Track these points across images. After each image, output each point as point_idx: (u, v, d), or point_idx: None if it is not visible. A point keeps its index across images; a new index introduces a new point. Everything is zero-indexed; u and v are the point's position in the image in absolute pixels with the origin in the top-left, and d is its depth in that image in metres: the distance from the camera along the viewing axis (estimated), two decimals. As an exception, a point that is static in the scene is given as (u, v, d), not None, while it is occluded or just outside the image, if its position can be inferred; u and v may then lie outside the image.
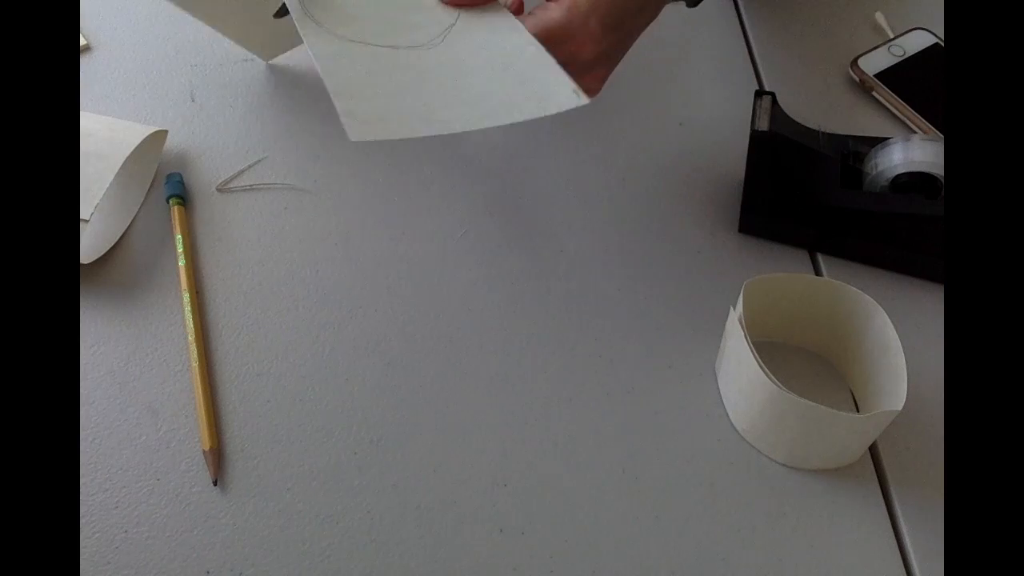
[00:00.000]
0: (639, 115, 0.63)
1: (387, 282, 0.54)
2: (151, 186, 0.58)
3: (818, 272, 0.55)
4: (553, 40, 0.45)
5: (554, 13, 0.46)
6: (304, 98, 0.63)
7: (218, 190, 0.57)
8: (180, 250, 0.54)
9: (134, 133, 0.56)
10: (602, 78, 0.49)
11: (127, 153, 0.55)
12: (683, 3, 0.58)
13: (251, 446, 0.48)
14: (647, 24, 0.51)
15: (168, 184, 0.57)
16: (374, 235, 0.56)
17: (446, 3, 0.47)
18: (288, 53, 0.65)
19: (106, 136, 0.56)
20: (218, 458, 0.47)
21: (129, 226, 0.56)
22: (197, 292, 0.53)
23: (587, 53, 0.47)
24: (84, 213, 0.53)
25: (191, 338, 0.51)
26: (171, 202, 0.57)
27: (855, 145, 0.54)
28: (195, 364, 0.50)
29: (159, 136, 0.58)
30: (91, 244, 0.54)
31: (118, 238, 0.55)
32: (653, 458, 0.48)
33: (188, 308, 0.52)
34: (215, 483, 0.46)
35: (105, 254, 0.54)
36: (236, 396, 0.49)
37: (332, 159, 0.59)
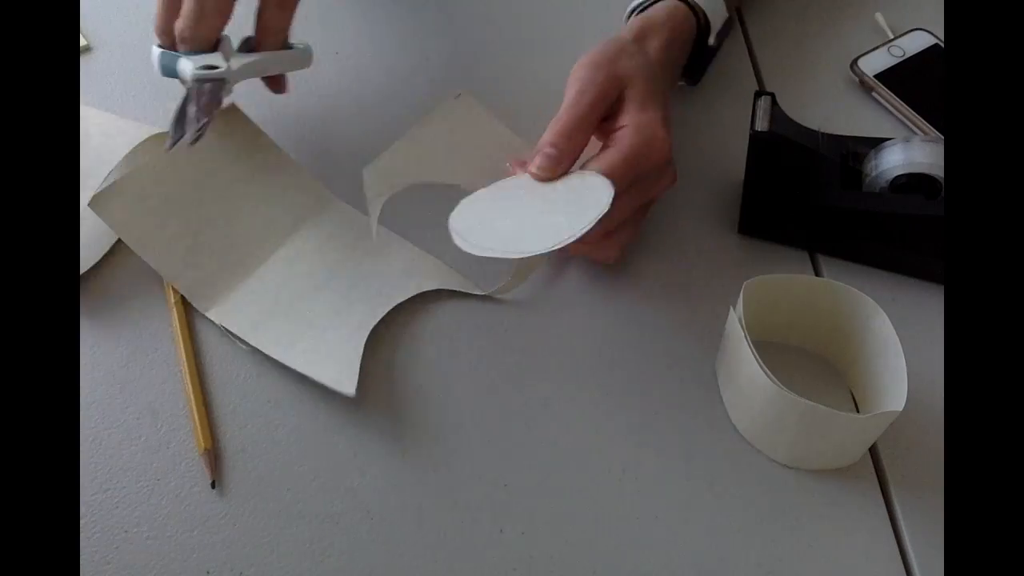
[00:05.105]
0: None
1: (387, 282, 0.54)
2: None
3: (818, 272, 0.55)
4: (637, 160, 0.49)
5: (628, 139, 0.49)
6: (304, 97, 0.63)
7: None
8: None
9: (128, 137, 0.55)
10: (674, 166, 0.53)
11: (119, 159, 0.54)
12: (684, 84, 0.63)
13: (251, 446, 0.48)
14: None
15: None
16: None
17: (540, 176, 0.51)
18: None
19: (99, 142, 0.56)
20: (214, 459, 0.47)
21: None
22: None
23: (666, 155, 0.50)
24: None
25: (180, 345, 0.50)
26: None
27: (855, 146, 0.54)
28: (185, 368, 0.50)
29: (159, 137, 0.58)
30: (87, 250, 0.54)
31: (112, 243, 0.54)
32: (653, 458, 0.48)
33: (176, 318, 0.51)
34: (213, 485, 0.46)
35: (103, 253, 0.54)
36: (236, 396, 0.49)
37: (326, 162, 0.59)
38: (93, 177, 0.55)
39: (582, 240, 0.46)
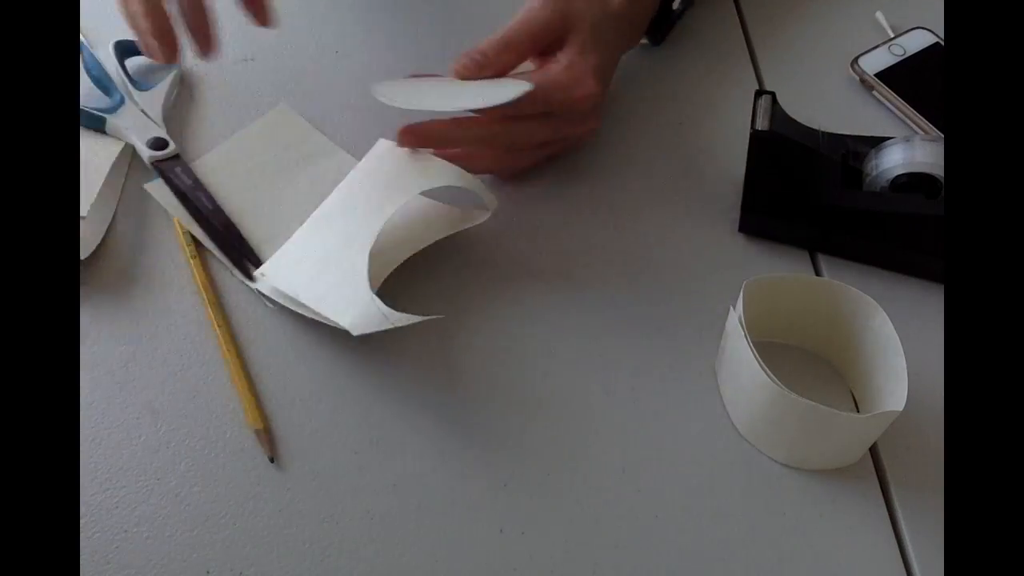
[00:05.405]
0: (639, 115, 0.63)
1: (388, 278, 0.54)
2: (127, 173, 0.58)
3: (818, 272, 0.55)
4: (557, 91, 0.52)
5: (556, 70, 0.53)
6: (302, 98, 0.63)
7: None
8: (184, 244, 0.54)
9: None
10: (599, 116, 0.58)
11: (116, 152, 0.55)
12: (647, 43, 0.65)
13: (251, 446, 0.48)
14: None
15: None
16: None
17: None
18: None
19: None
20: (268, 437, 0.48)
21: (113, 217, 0.55)
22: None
23: (587, 104, 0.54)
24: (80, 210, 0.53)
25: (216, 327, 0.51)
26: None
27: (855, 145, 0.54)
28: (226, 349, 0.50)
29: None
30: (85, 238, 0.54)
31: (106, 228, 0.55)
32: (653, 458, 0.48)
33: (207, 305, 0.52)
34: (272, 459, 0.47)
35: (100, 251, 0.54)
36: (236, 396, 0.49)
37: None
38: (93, 174, 0.55)
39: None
